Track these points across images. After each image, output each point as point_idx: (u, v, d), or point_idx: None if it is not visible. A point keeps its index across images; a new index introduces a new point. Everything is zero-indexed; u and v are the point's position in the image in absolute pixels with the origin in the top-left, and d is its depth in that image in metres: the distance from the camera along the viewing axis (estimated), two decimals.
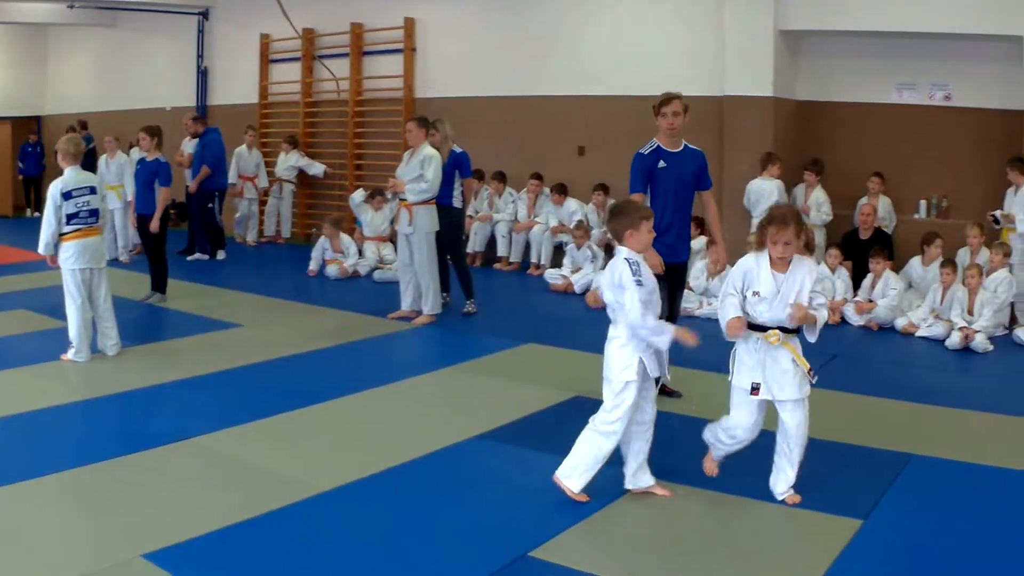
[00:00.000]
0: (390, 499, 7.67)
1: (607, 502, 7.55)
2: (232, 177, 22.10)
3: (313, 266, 18.74)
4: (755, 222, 15.67)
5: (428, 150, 14.09)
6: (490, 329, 14.04)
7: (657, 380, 7.75)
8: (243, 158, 22.44)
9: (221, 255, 20.15)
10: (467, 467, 8.48)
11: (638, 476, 7.78)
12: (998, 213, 15.52)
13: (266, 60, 24.72)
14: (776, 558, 6.78)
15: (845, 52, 17.88)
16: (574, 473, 7.58)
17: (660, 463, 7.95)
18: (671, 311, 10.34)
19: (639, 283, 7.34)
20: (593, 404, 7.86)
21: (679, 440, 8.90)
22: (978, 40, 16.37)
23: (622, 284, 7.40)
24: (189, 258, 20.26)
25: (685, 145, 10.60)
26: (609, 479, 7.70)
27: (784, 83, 17.84)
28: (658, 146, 10.46)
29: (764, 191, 16.62)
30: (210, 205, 20.08)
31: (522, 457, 8.65)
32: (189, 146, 20.96)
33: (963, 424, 10.13)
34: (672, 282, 10.42)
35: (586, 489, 7.58)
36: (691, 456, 8.28)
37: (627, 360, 7.50)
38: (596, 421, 7.61)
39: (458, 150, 15.11)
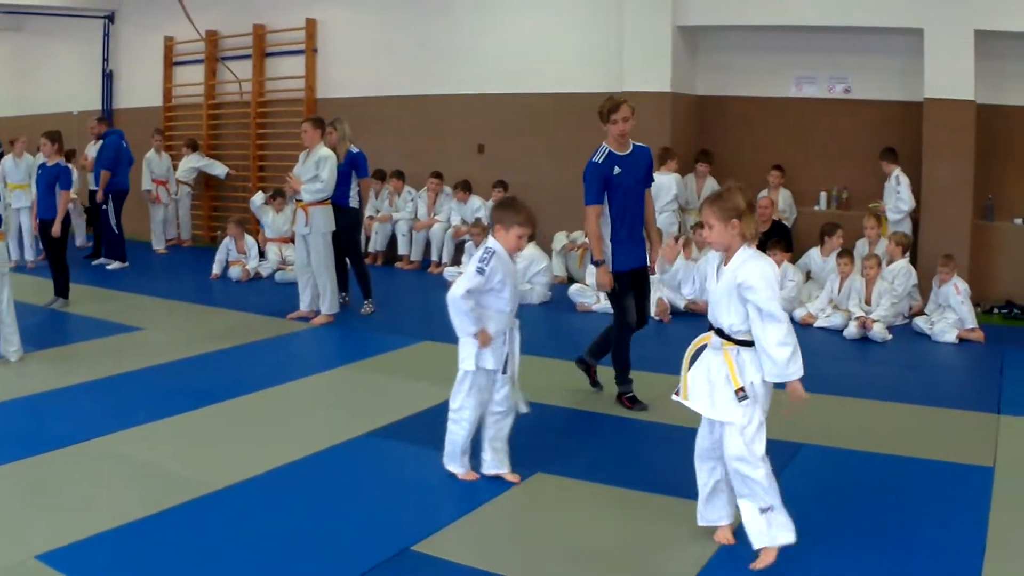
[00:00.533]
0: (279, 496, 7.61)
1: (491, 496, 7.55)
2: (146, 183, 21.41)
3: (217, 269, 18.28)
4: (661, 217, 15.51)
5: (323, 150, 13.91)
6: (388, 328, 13.84)
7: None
8: (153, 162, 21.62)
9: (114, 265, 19.20)
10: (356, 464, 8.40)
11: (492, 462, 7.83)
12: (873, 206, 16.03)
13: (170, 63, 24.12)
14: (661, 546, 6.73)
15: (743, 47, 17.77)
16: (449, 459, 7.84)
17: (556, 455, 8.32)
18: (640, 316, 10.19)
19: (480, 271, 7.35)
20: None
21: (573, 433, 9.28)
22: (877, 33, 16.29)
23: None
24: (94, 263, 19.56)
25: (633, 145, 10.09)
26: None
27: (682, 78, 17.64)
28: (609, 152, 9.91)
29: (663, 185, 16.16)
30: (104, 207, 19.19)
31: (411, 453, 8.57)
32: (93, 149, 20.22)
33: (856, 413, 10.06)
34: (639, 288, 10.18)
35: (473, 485, 7.76)
36: (583, 448, 8.70)
37: (467, 350, 7.58)
38: (449, 411, 7.76)
39: (355, 150, 14.81)
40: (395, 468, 8.29)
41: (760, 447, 6.27)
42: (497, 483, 7.77)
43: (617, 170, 9.79)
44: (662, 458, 8.56)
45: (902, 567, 6.44)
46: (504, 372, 7.69)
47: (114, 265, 19.13)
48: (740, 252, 6.32)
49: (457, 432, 7.76)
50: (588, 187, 9.86)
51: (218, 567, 6.31)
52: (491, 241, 7.62)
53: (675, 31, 17.31)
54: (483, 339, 7.50)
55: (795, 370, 6.14)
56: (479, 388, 7.68)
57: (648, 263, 10.10)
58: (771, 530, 6.28)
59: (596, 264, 9.96)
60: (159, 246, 21.52)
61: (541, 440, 8.74)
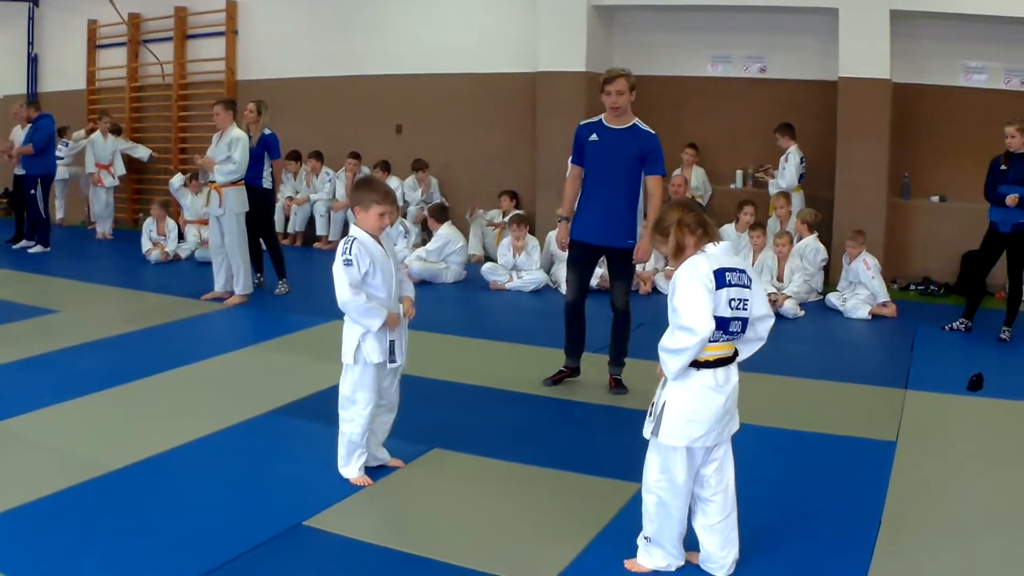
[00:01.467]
0: (178, 475, 7.40)
1: (388, 472, 7.45)
2: (90, 166, 20.56)
3: (146, 246, 17.73)
4: None
5: (235, 131, 13.43)
6: (301, 308, 13.46)
7: None
8: (98, 145, 20.62)
9: (36, 248, 18.37)
10: (257, 442, 8.21)
11: (376, 452, 7.50)
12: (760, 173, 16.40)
13: (93, 46, 23.36)
14: (552, 521, 6.62)
15: (659, 26, 17.40)
16: (343, 462, 7.34)
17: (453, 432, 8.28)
18: (612, 300, 9.77)
19: (347, 263, 6.94)
20: None
21: (476, 409, 9.18)
22: (794, 13, 16.11)
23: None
24: (15, 247, 18.80)
25: (635, 124, 9.43)
26: (399, 449, 7.66)
27: (597, 58, 17.16)
28: (600, 120, 9.48)
29: None
30: (32, 192, 18.41)
31: (313, 430, 8.33)
32: (21, 134, 19.29)
33: (764, 389, 9.58)
34: (610, 268, 9.85)
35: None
36: (484, 425, 8.64)
37: (349, 342, 7.18)
38: (339, 408, 7.34)
39: (267, 132, 14.42)
40: (296, 445, 8.09)
41: (653, 474, 5.74)
42: (395, 457, 7.62)
43: (594, 137, 9.39)
44: (562, 435, 8.61)
45: (799, 540, 6.37)
46: (392, 361, 7.26)
47: (36, 248, 18.36)
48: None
49: (343, 430, 7.29)
50: (572, 146, 9.65)
51: (115, 545, 6.10)
52: (352, 228, 7.24)
53: (590, 11, 16.93)
54: (391, 321, 7.10)
55: (666, 358, 5.54)
56: (371, 381, 7.19)
57: (621, 247, 9.51)
58: (646, 553, 5.89)
59: (559, 220, 9.84)
60: (104, 229, 20.55)
61: (442, 416, 8.76)
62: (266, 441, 8.18)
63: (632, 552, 5.93)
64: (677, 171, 16.49)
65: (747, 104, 16.90)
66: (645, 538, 5.81)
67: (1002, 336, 12.13)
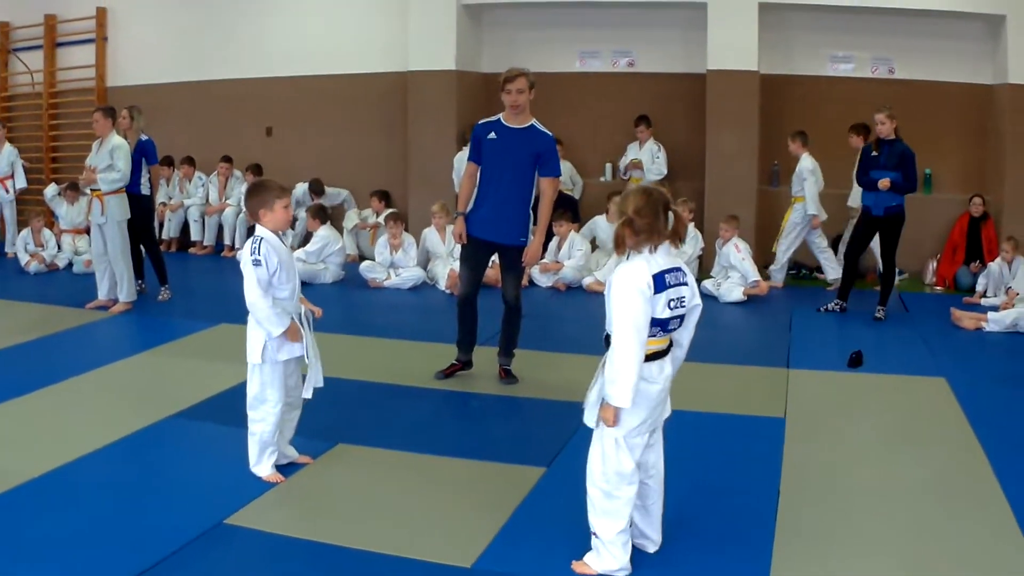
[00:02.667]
0: (87, 483, 7.10)
1: (298, 468, 7.33)
2: None
3: (23, 258, 16.89)
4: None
5: (116, 139, 12.87)
6: (185, 312, 13.13)
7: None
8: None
9: None
10: (162, 446, 7.97)
11: (285, 451, 7.35)
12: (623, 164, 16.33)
13: None
14: (461, 507, 6.66)
15: (528, 24, 17.30)
16: (255, 460, 7.18)
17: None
18: (503, 294, 9.65)
19: (256, 263, 6.74)
20: None
21: (370, 405, 9.07)
22: (662, 8, 16.25)
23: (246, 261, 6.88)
24: None
25: (532, 125, 9.26)
26: (303, 446, 7.53)
27: (467, 57, 17.09)
28: (498, 119, 9.31)
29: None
30: None
31: (216, 432, 8.17)
32: None
33: None
34: (502, 263, 9.59)
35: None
36: (380, 419, 8.59)
37: (256, 342, 6.97)
38: (247, 408, 7.20)
39: (144, 138, 13.83)
40: (201, 447, 7.91)
41: (597, 466, 5.60)
42: (301, 454, 7.51)
43: (492, 135, 9.22)
44: (462, 425, 8.64)
45: (701, 514, 6.43)
46: (308, 358, 7.12)
47: None
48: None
49: (260, 429, 7.09)
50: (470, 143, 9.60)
51: (28, 556, 5.87)
52: (258, 229, 6.96)
53: (460, 9, 16.71)
54: (292, 333, 6.94)
55: (612, 391, 5.34)
56: (279, 380, 7.03)
57: (514, 244, 9.39)
58: (596, 554, 5.68)
59: (455, 215, 9.71)
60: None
61: (342, 413, 8.57)
62: (172, 445, 7.97)
63: (548, 532, 6.07)
64: None
65: (616, 98, 16.82)
66: (594, 535, 5.62)
67: (877, 315, 12.26)
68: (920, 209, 13.65)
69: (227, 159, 18.35)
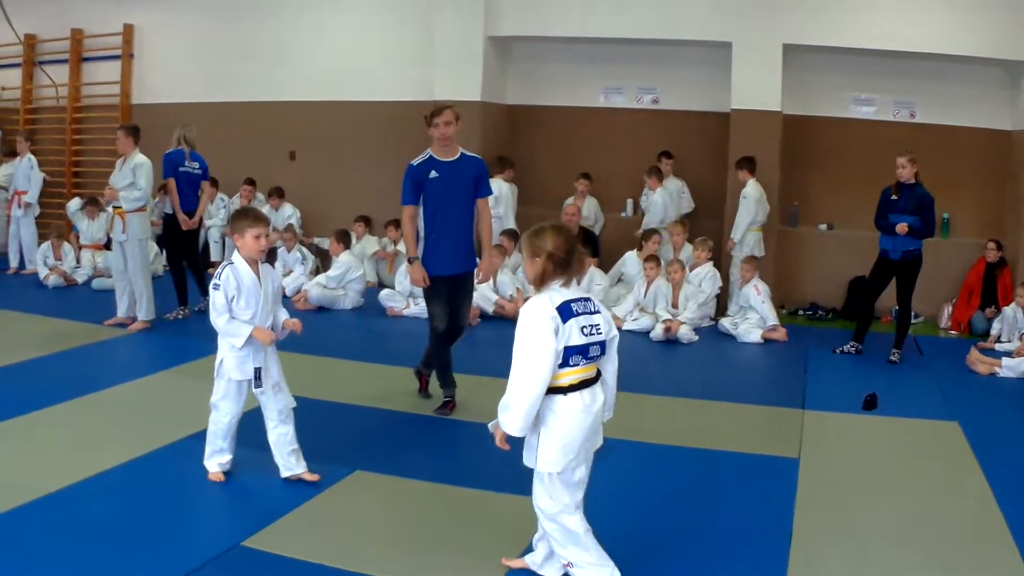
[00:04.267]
0: (106, 500, 7.30)
1: (314, 494, 7.51)
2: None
3: (42, 272, 17.19)
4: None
5: (139, 157, 13.18)
6: (203, 333, 12.61)
7: None
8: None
9: None
10: (180, 466, 8.08)
11: (285, 466, 7.76)
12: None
13: None
14: (477, 537, 6.79)
15: (553, 57, 17.58)
16: (206, 455, 7.80)
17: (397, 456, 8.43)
18: (455, 321, 9.90)
19: (215, 287, 7.35)
20: (300, 402, 7.93)
21: (387, 433, 9.27)
22: (687, 45, 16.25)
23: None
24: None
25: (462, 153, 9.75)
26: (320, 472, 7.76)
27: (493, 87, 17.34)
28: (430, 156, 9.63)
29: (502, 192, 15.90)
30: None
31: (236, 455, 8.07)
32: None
33: (667, 410, 10.22)
34: (454, 293, 9.83)
35: (295, 483, 7.71)
36: (397, 447, 8.78)
37: (219, 356, 7.61)
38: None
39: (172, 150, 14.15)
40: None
41: (546, 503, 5.88)
42: (317, 482, 7.70)
43: (434, 174, 9.52)
44: (476, 455, 8.44)
45: (715, 553, 6.55)
46: (258, 387, 7.60)
47: None
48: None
49: (212, 430, 7.75)
50: (404, 187, 9.64)
51: (48, 571, 6.05)
52: (234, 254, 7.54)
53: (487, 41, 16.98)
54: (260, 336, 7.45)
55: (504, 418, 5.68)
56: (233, 394, 7.64)
57: (473, 271, 9.92)
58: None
59: (410, 261, 9.79)
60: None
61: (355, 440, 8.84)
62: (189, 466, 8.03)
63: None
64: (569, 200, 16.49)
65: (639, 134, 17.00)
66: (568, 565, 5.89)
67: (892, 358, 12.42)
68: (937, 253, 13.76)
69: (250, 182, 18.61)
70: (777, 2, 15.19)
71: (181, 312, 14.11)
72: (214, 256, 18.77)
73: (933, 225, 12.33)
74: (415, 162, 9.60)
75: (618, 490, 7.60)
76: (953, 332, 14.73)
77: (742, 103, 15.48)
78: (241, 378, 7.48)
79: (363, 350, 12.47)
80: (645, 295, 14.22)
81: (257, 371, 7.48)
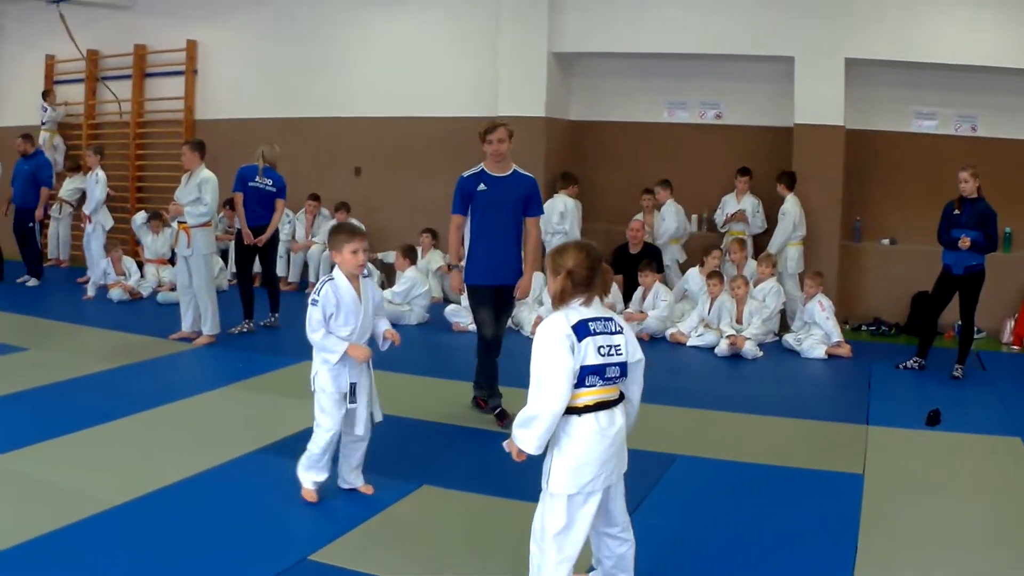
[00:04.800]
0: (175, 512, 7.46)
1: (381, 508, 7.60)
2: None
3: (91, 291, 17.59)
4: (554, 240, 15.50)
5: (205, 173, 13.47)
6: (269, 348, 13.57)
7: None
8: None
9: (33, 282, 18.75)
10: (247, 480, 8.29)
11: (348, 477, 7.95)
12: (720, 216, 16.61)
13: (51, 81, 23.15)
14: None
15: (616, 73, 17.74)
16: (300, 472, 7.81)
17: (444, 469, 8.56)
18: (496, 331, 10.11)
19: (313, 302, 7.42)
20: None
21: (452, 447, 9.43)
22: (749, 60, 16.35)
23: None
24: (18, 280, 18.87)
25: (515, 170, 10.07)
26: (387, 486, 7.95)
27: (556, 103, 17.56)
28: (482, 169, 9.97)
29: (568, 208, 16.12)
30: (31, 225, 18.81)
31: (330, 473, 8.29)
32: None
33: (729, 425, 10.30)
34: (498, 304, 10.10)
35: (363, 498, 7.84)
36: (463, 461, 8.92)
37: (314, 370, 7.68)
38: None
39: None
40: (285, 483, 8.01)
41: (539, 522, 5.79)
42: (384, 496, 7.80)
43: (482, 187, 9.85)
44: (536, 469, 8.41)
45: (781, 568, 6.61)
46: (353, 402, 7.67)
47: (32, 282, 18.76)
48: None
49: (311, 447, 7.72)
50: (454, 198, 10.00)
51: None
52: (334, 270, 7.60)
53: (550, 57, 17.19)
54: (355, 353, 7.52)
55: (521, 435, 5.62)
56: (331, 409, 7.63)
57: (513, 283, 10.07)
58: None
59: (450, 268, 10.52)
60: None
61: (423, 455, 8.96)
62: (256, 479, 8.26)
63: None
64: (638, 216, 16.70)
65: (702, 149, 17.17)
66: None
67: (955, 374, 12.44)
68: (999, 268, 13.72)
69: (315, 197, 18.80)
70: (839, 17, 15.26)
71: (246, 326, 14.34)
72: (279, 271, 18.63)
73: (995, 240, 12.37)
74: (466, 174, 9.95)
75: (682, 505, 7.73)
76: (1015, 347, 14.74)
77: (805, 118, 15.59)
78: (335, 392, 7.52)
79: (427, 366, 12.66)
80: (709, 311, 14.30)
81: (352, 386, 7.58)
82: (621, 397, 5.77)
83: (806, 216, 15.48)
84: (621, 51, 16.98)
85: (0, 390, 10.72)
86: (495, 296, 9.99)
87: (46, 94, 21.72)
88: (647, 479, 8.03)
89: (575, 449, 5.56)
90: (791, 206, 15.21)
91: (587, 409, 5.56)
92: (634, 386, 5.85)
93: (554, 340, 5.47)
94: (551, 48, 17.12)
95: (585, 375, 5.51)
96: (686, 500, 7.89)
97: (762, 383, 12.41)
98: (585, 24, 16.96)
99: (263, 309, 14.76)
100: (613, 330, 5.65)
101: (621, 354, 5.65)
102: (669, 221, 16.36)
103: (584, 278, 5.57)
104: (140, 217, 18.25)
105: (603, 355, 5.55)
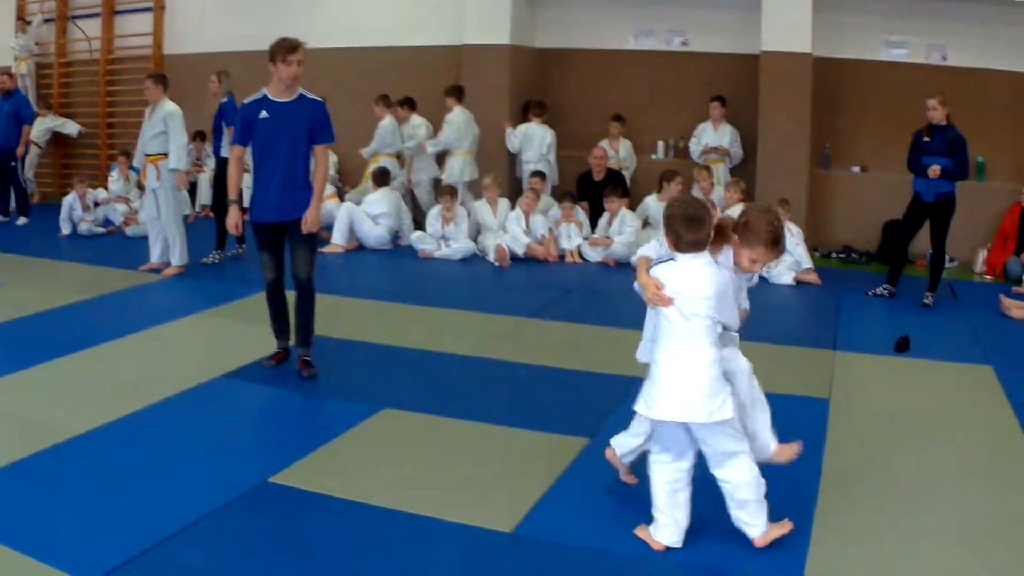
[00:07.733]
0: (140, 438, 7.44)
1: (342, 430, 7.58)
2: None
3: (65, 228, 17.12)
4: (527, 167, 16.11)
5: (169, 106, 13.25)
6: (237, 277, 13.39)
7: None
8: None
9: (22, 220, 18.26)
10: (212, 405, 8.26)
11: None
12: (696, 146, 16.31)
13: (24, 23, 22.44)
14: (504, 474, 6.85)
15: (583, 1, 17.26)
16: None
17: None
18: (295, 273, 9.04)
19: None
20: (330, 342, 8.83)
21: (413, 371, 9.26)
22: None
23: None
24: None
25: (301, 94, 8.81)
26: (348, 410, 7.94)
27: (522, 31, 17.15)
28: (264, 95, 8.77)
29: (535, 136, 16.13)
30: (13, 164, 18.37)
31: (264, 393, 8.61)
32: None
33: None
34: (290, 242, 8.99)
35: (323, 420, 7.94)
36: (425, 385, 8.75)
37: None
38: None
39: (224, 100, 14.19)
40: (249, 407, 8.31)
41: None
42: (345, 419, 7.78)
43: (264, 114, 8.68)
44: (508, 393, 8.68)
45: None
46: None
47: (21, 220, 18.33)
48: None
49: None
50: (235, 128, 8.98)
51: (84, 506, 6.16)
52: None
53: None
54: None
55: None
56: None
57: (302, 218, 8.77)
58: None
59: (228, 204, 9.12)
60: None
61: (385, 379, 8.90)
62: (220, 404, 8.22)
63: (589, 501, 6.31)
64: (604, 142, 16.34)
65: (669, 77, 16.82)
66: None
67: (925, 301, 12.17)
68: (972, 197, 13.49)
69: None
70: None
71: (217, 256, 14.25)
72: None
73: (966, 167, 12.05)
74: (247, 100, 8.86)
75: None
76: (988, 277, 14.39)
77: (772, 45, 15.17)
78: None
79: (393, 292, 12.60)
80: None
81: None
82: None
83: (773, 144, 15.25)
84: None
85: None
86: (280, 234, 8.94)
87: (50, 105, 21.10)
88: (610, 401, 8.05)
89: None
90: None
91: None
92: None
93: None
94: None
95: None
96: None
97: None
98: None
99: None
100: None
101: None
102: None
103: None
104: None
105: None
